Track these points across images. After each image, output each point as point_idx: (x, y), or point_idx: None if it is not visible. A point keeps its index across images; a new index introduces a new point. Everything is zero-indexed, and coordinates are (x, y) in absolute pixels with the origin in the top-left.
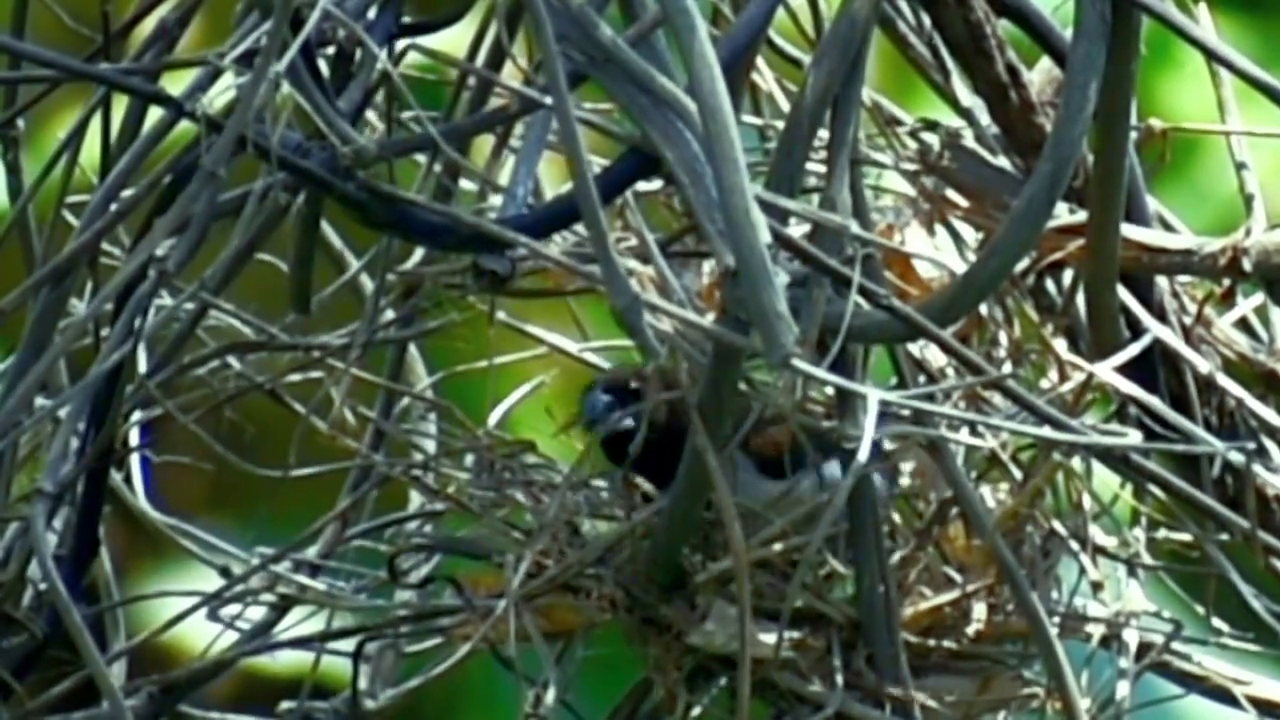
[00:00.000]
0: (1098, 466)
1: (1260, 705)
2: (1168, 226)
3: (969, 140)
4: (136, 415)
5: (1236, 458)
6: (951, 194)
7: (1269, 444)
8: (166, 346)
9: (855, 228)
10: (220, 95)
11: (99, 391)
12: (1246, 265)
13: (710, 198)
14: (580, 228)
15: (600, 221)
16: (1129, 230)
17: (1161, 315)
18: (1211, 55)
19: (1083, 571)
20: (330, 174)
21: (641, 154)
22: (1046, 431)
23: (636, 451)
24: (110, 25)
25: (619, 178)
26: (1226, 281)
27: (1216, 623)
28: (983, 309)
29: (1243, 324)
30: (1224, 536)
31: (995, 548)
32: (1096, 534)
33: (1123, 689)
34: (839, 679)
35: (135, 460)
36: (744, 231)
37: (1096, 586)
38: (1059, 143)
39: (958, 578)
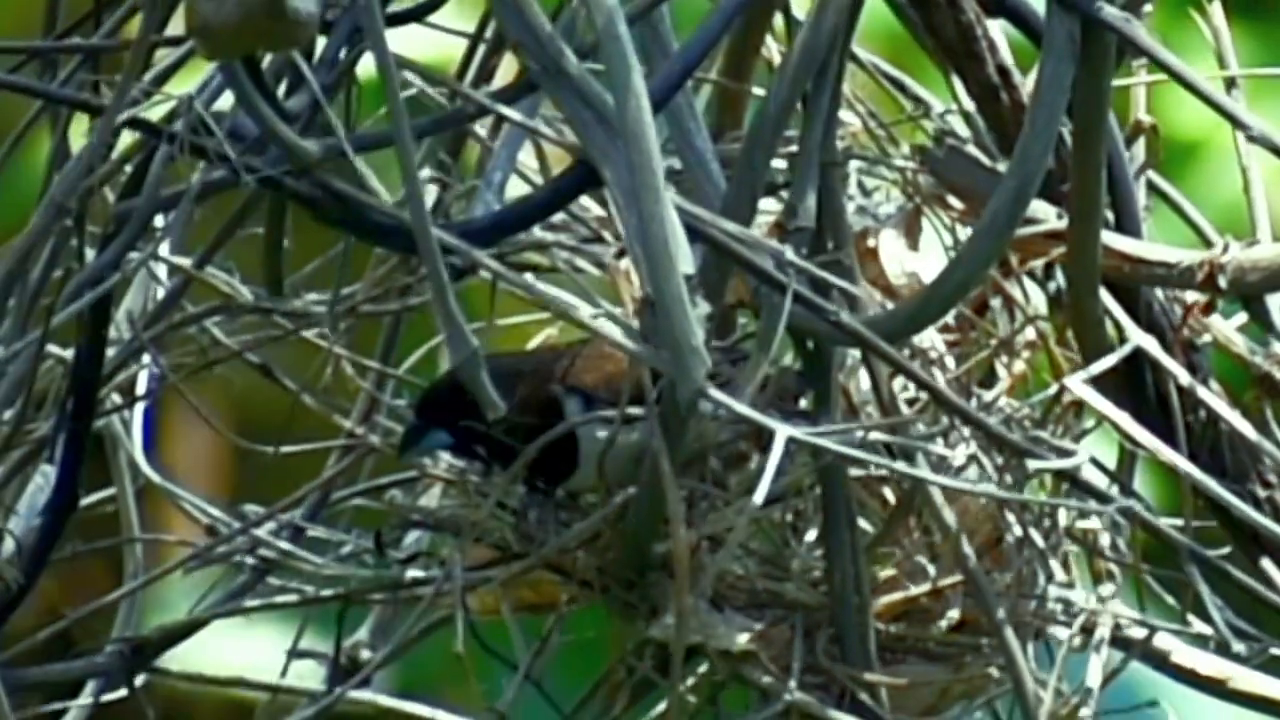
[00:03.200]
0: None
1: (1245, 698)
2: (1182, 214)
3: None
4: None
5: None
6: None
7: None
8: (156, 307)
9: (789, 253)
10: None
11: (81, 352)
12: (1222, 282)
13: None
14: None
15: (440, 270)
16: (1112, 239)
17: (1151, 318)
18: (1176, 77)
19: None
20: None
21: (590, 166)
22: (981, 487)
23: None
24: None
25: (566, 188)
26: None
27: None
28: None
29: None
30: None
31: (958, 549)
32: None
33: (1093, 682)
34: (793, 677)
35: (138, 419)
36: (661, 263)
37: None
38: (1024, 159)
39: (930, 569)
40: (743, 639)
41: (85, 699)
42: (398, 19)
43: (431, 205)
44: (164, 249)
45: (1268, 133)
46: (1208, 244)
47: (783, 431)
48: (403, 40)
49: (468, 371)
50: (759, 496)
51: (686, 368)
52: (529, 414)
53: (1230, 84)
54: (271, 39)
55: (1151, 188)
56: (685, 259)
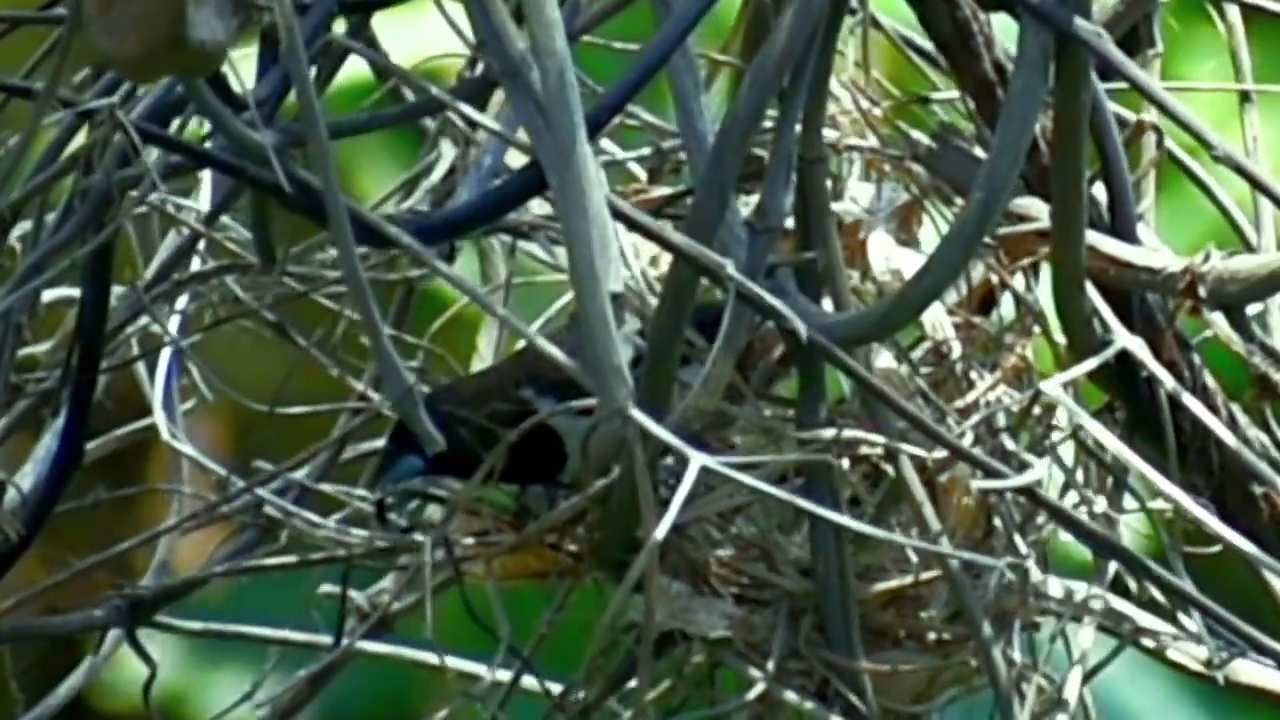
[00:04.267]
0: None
1: (1241, 690)
2: (1211, 195)
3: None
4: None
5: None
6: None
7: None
8: (161, 265)
9: (730, 267)
10: None
11: (85, 306)
12: (1202, 291)
13: None
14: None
15: (370, 306)
16: (1099, 241)
17: (1145, 313)
18: (1144, 93)
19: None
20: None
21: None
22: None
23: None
24: None
25: (519, 189)
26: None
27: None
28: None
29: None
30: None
31: (935, 548)
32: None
33: (1072, 687)
34: (771, 663)
35: (161, 371)
36: (586, 283)
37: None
38: (992, 171)
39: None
40: (720, 625)
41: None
42: (348, 8)
43: (444, 173)
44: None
45: (1231, 152)
46: (1236, 229)
47: (697, 459)
48: (405, 32)
49: (403, 409)
50: (661, 531)
51: (608, 388)
52: (502, 423)
53: (1245, 97)
54: (177, 69)
55: (1183, 170)
56: (614, 277)
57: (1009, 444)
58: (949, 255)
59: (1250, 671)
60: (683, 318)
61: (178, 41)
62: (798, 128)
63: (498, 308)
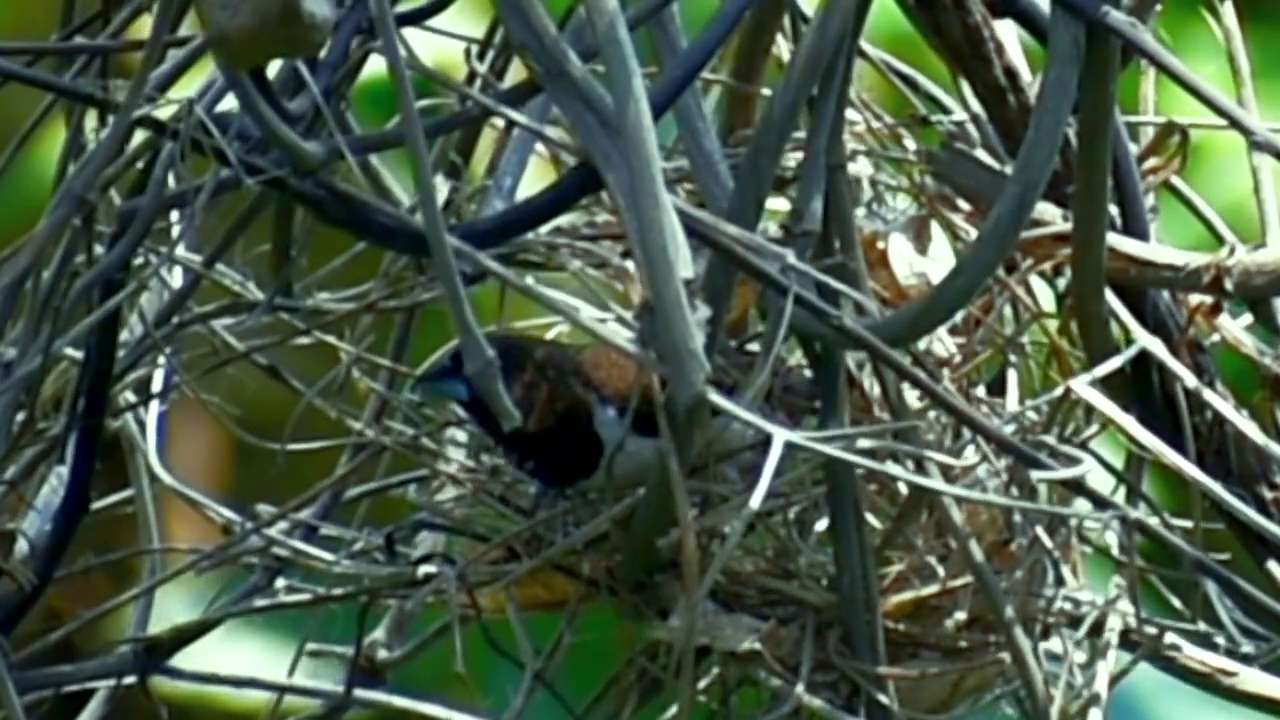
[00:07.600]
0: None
1: (1250, 699)
2: (1195, 210)
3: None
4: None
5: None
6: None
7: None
8: (165, 305)
9: (791, 257)
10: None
11: (91, 351)
12: (1228, 285)
13: None
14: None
15: (454, 278)
16: (1118, 241)
17: (1157, 318)
18: (1179, 81)
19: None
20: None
21: (593, 168)
22: (986, 497)
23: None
24: None
25: (570, 191)
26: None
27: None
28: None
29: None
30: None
31: (966, 551)
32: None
33: (1101, 684)
34: (802, 677)
35: (153, 417)
36: (660, 269)
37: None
38: (1027, 165)
39: (939, 569)
40: (749, 640)
41: (99, 700)
42: (402, 21)
43: (441, 205)
44: (179, 248)
45: (1272, 139)
46: (1221, 241)
47: (780, 435)
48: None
49: (482, 382)
50: (756, 500)
51: (685, 372)
52: (554, 411)
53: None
54: (288, 45)
55: (1166, 185)
56: (684, 263)
57: (1049, 439)
58: (985, 252)
59: (1256, 680)
60: (720, 320)
61: (291, 12)
62: None
63: (565, 303)
